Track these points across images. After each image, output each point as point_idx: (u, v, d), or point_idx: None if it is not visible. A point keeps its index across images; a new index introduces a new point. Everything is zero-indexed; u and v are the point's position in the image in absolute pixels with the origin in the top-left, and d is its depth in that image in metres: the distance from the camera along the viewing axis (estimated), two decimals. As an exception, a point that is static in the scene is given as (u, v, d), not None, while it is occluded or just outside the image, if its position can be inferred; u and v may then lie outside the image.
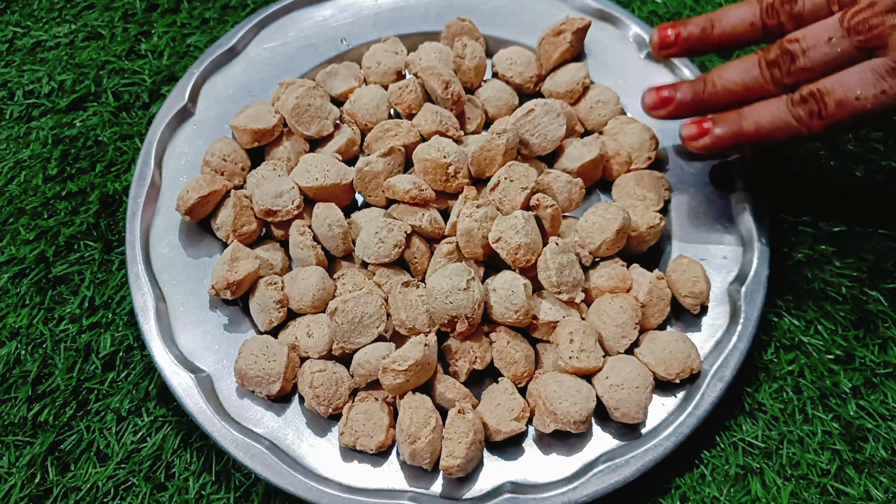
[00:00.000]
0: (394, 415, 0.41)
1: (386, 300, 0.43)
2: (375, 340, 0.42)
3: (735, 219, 0.48)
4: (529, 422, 0.42)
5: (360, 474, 0.40)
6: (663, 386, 0.43)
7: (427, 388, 0.42)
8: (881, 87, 0.40)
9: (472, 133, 0.50)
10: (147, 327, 0.43)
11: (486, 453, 0.41)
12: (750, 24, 0.45)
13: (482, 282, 0.43)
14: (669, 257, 0.47)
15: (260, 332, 0.44)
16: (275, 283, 0.44)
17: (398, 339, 0.43)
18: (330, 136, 0.49)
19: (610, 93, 0.51)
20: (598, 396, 0.41)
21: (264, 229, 0.48)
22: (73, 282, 0.49)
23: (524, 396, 0.42)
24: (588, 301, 0.45)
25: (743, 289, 0.45)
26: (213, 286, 0.43)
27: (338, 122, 0.50)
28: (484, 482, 0.40)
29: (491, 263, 0.45)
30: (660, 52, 0.47)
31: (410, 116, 0.49)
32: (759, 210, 0.48)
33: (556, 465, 0.41)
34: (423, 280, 0.45)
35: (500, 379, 0.42)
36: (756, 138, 0.43)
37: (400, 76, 0.52)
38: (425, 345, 0.39)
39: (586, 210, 0.45)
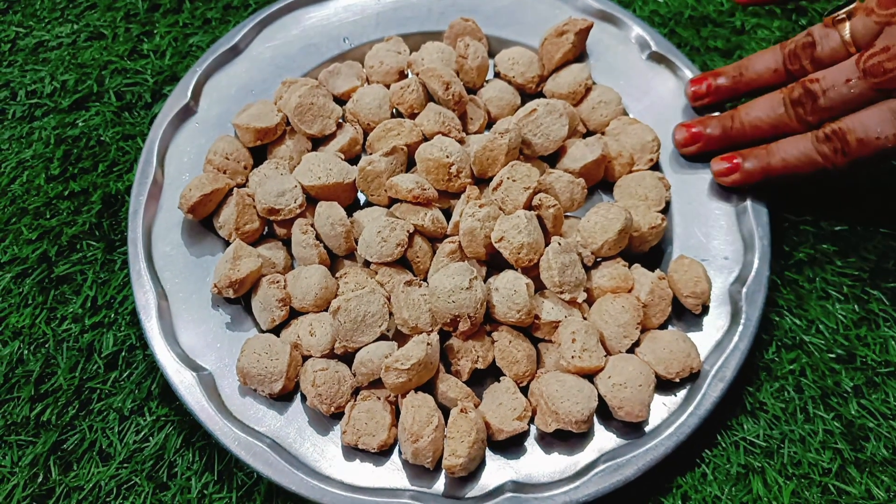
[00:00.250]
0: (396, 414, 0.41)
1: (388, 299, 0.43)
2: (378, 339, 0.42)
3: (736, 218, 0.48)
4: (531, 421, 0.42)
5: (363, 473, 0.40)
6: (665, 386, 0.43)
7: (429, 387, 0.42)
8: None
9: (475, 133, 0.50)
10: (149, 325, 0.43)
11: (487, 452, 0.41)
12: (774, 70, 0.47)
13: (484, 281, 0.43)
14: (671, 257, 0.47)
15: (262, 331, 0.44)
16: (277, 282, 0.44)
17: (400, 338, 0.43)
18: (332, 135, 0.49)
19: (612, 93, 0.52)
20: (600, 396, 0.41)
21: (266, 228, 0.48)
22: (76, 281, 0.49)
23: (526, 396, 0.42)
24: (590, 301, 0.45)
25: (744, 289, 0.45)
26: (216, 284, 0.43)
27: (340, 121, 0.50)
28: (486, 481, 0.40)
29: (493, 263, 0.45)
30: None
31: (412, 116, 0.50)
32: (760, 209, 0.48)
33: (557, 465, 0.41)
34: (425, 279, 0.45)
35: (501, 378, 0.42)
36: (783, 172, 0.45)
37: (402, 76, 0.52)
38: (427, 344, 0.39)
39: (588, 210, 0.45)
